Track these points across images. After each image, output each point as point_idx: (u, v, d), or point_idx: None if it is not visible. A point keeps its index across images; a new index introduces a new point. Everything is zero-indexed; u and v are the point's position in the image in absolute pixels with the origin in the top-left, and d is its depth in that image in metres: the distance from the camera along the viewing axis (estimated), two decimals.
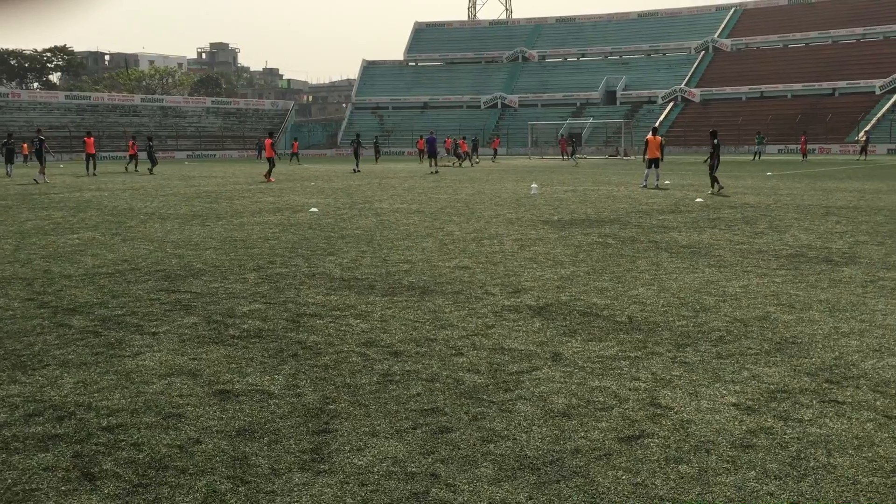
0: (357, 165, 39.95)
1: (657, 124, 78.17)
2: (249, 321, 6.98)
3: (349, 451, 4.11)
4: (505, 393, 5.02)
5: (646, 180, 23.93)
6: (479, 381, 5.26)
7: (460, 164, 45.54)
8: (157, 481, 3.77)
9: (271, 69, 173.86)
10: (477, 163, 50.00)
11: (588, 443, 4.22)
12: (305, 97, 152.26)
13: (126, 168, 40.96)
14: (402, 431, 4.38)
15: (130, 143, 43.08)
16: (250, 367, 5.62)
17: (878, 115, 68.30)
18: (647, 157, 23.88)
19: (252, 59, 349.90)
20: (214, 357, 5.86)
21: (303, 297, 7.97)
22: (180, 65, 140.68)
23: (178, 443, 4.23)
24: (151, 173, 37.06)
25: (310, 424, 4.50)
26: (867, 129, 64.77)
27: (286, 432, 4.38)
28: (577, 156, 48.88)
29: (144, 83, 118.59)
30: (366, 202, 19.65)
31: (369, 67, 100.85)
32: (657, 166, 23.70)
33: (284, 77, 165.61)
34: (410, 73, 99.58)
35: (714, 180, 21.61)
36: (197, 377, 5.38)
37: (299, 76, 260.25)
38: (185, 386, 5.19)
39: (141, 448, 4.16)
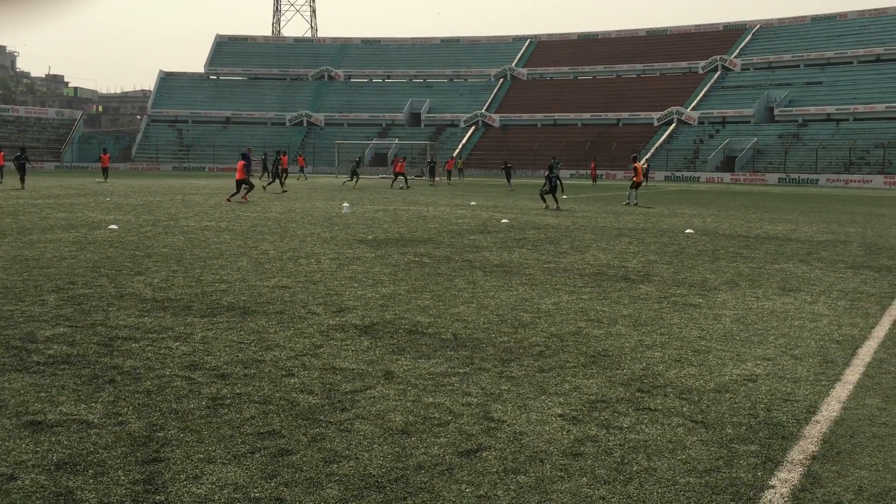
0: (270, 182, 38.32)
1: (460, 147, 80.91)
2: (55, 346, 6.47)
3: (185, 480, 3.92)
4: (342, 413, 4.99)
5: (629, 199, 28.46)
6: (314, 401, 5.20)
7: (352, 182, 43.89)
8: None
9: (55, 76, 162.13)
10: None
11: (429, 458, 4.29)
12: (95, 107, 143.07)
13: None
14: (239, 456, 4.24)
15: None
16: (62, 395, 5.21)
17: (657, 144, 74.61)
18: (634, 180, 28.88)
19: (33, 64, 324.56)
20: (19, 386, 5.38)
21: (113, 320, 7.50)
22: None
23: None
24: (22, 187, 32.69)
25: (138, 454, 4.24)
26: (647, 157, 70.51)
27: (112, 463, 4.10)
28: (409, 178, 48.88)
29: None
30: (170, 219, 18.78)
31: (167, 79, 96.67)
32: (637, 188, 28.71)
33: (70, 85, 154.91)
34: (211, 86, 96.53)
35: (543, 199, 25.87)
36: (1, 408, 4.91)
37: (88, 84, 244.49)
38: None
39: None
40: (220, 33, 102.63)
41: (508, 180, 45.56)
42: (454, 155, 77.58)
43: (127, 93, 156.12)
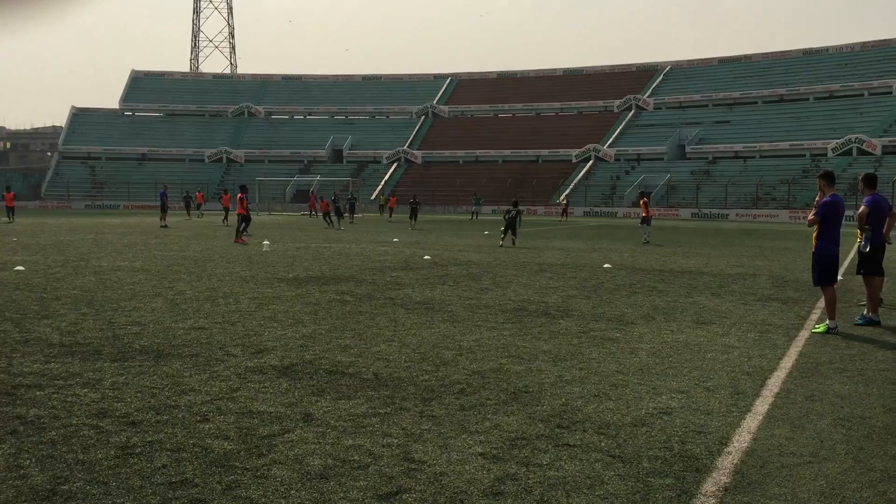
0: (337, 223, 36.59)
1: (382, 183, 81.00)
2: None
3: None
4: (258, 458, 4.87)
5: (646, 236, 28.41)
6: (230, 447, 5.06)
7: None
8: None
9: None
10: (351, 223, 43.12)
11: (348, 503, 4.21)
12: (2, 143, 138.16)
13: None
14: None
15: None
16: None
17: (575, 180, 76.28)
18: (643, 216, 28.93)
19: None
20: None
21: (17, 367, 7.17)
22: None
23: None
24: None
25: None
26: (566, 193, 71.98)
27: None
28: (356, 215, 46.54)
29: None
30: (81, 259, 18.18)
31: (79, 115, 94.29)
32: (649, 223, 28.79)
33: None
34: (126, 122, 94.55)
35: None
36: None
37: None
38: None
39: None
40: (136, 69, 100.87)
41: (413, 217, 39.39)
42: (384, 190, 77.67)
43: (37, 129, 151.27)
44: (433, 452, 5.04)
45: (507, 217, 26.43)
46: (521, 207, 27.36)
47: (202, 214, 52.33)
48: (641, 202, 29.37)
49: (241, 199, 25.95)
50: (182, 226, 38.27)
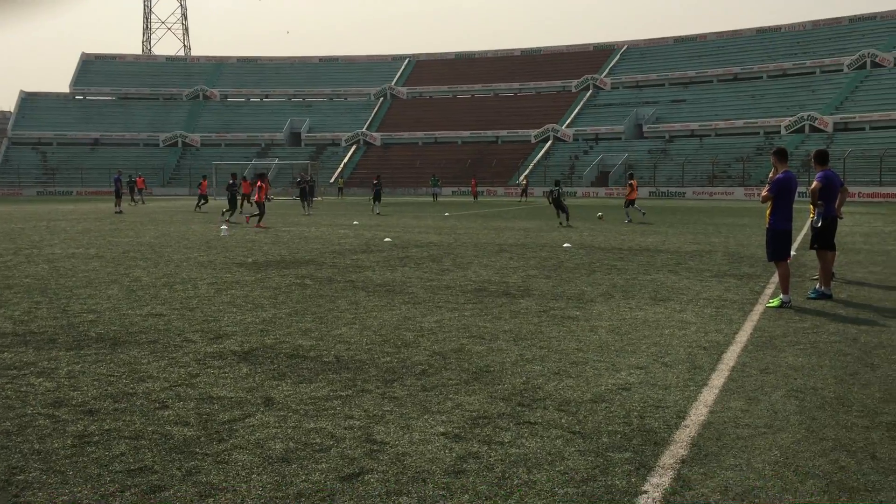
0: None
1: (342, 166, 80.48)
2: None
3: None
4: (219, 444, 4.84)
5: (628, 217, 28.62)
6: (190, 433, 5.02)
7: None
8: None
9: None
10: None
11: (310, 486, 4.21)
12: None
13: None
14: (107, 496, 4.04)
15: None
16: None
17: (534, 161, 76.58)
18: (627, 197, 28.80)
19: None
20: None
21: None
22: None
23: None
24: None
25: None
26: (526, 173, 72.23)
27: None
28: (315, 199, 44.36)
29: None
30: (33, 247, 17.81)
31: (29, 99, 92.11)
32: (633, 205, 28.79)
33: None
34: (78, 107, 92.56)
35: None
36: None
37: None
38: None
39: None
40: (87, 52, 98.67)
41: (377, 200, 36.41)
42: (343, 173, 77.16)
43: None
44: (395, 433, 5.06)
45: (550, 198, 26.94)
46: (561, 188, 27.59)
47: (144, 201, 50.87)
48: (629, 183, 28.91)
49: (259, 186, 26.64)
50: (138, 211, 37.67)
